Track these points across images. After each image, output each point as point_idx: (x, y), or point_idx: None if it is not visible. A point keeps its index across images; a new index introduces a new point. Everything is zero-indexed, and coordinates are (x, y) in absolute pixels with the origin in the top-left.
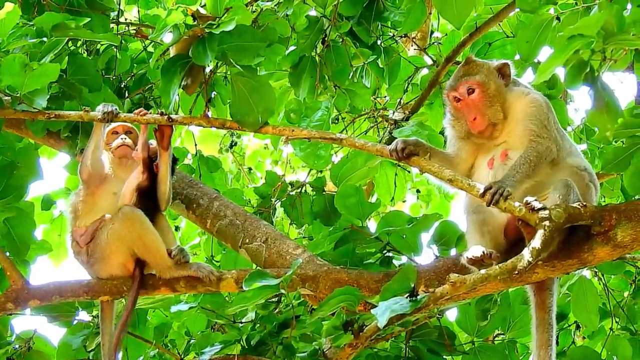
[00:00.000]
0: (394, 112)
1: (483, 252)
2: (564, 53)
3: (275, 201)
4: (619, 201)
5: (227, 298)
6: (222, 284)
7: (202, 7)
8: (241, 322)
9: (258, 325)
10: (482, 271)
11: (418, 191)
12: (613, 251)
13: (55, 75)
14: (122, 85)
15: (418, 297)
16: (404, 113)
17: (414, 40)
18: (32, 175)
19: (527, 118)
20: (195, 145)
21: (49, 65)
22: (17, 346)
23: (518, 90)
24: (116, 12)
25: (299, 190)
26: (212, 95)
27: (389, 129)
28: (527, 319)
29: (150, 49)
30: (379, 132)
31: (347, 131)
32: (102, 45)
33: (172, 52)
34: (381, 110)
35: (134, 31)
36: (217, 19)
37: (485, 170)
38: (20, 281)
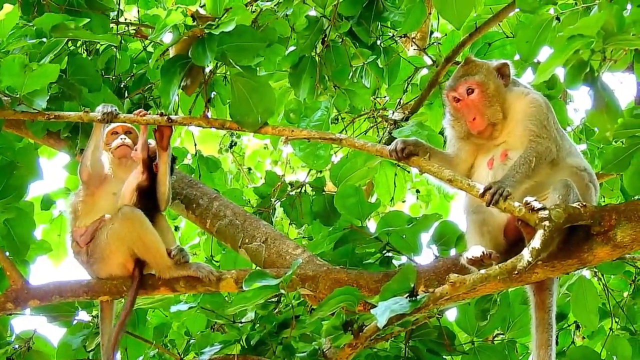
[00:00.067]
0: (393, 112)
1: (483, 252)
2: (564, 53)
3: (275, 201)
4: (618, 201)
5: (226, 298)
6: (221, 284)
7: (201, 7)
8: (241, 322)
9: (258, 325)
10: (482, 271)
11: (418, 191)
12: (613, 251)
13: (54, 76)
14: (122, 85)
15: (418, 297)
16: (404, 113)
17: (413, 40)
18: (32, 175)
19: (527, 118)
20: (195, 145)
21: (49, 65)
22: (16, 346)
23: (518, 90)
24: (116, 12)
25: (298, 190)
26: (212, 95)
27: (388, 129)
28: (527, 319)
29: (150, 49)
30: (378, 132)
31: (346, 131)
32: (101, 45)
33: (172, 52)
34: (381, 111)
35: (134, 31)
36: (217, 19)
37: (484, 170)
38: (20, 281)
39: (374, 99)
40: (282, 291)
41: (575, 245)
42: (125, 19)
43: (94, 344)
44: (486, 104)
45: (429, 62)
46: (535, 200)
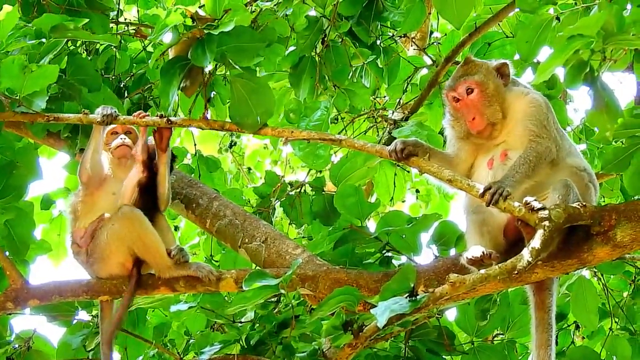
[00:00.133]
0: (393, 112)
1: (483, 252)
2: (564, 53)
3: (275, 201)
4: (618, 201)
5: (226, 298)
6: (221, 284)
7: (200, 7)
8: (240, 322)
9: (257, 325)
10: (482, 271)
11: (417, 191)
12: (612, 251)
13: (54, 77)
14: (122, 85)
15: (417, 297)
16: (403, 113)
17: (413, 40)
18: (32, 175)
19: (527, 118)
20: (195, 145)
21: (48, 66)
22: (16, 346)
23: (517, 90)
24: (116, 12)
25: (298, 190)
26: (212, 95)
27: (388, 129)
28: (527, 319)
29: (149, 48)
30: (378, 132)
31: (346, 131)
32: (101, 45)
33: (171, 53)
34: (380, 110)
35: (134, 31)
36: (216, 20)
37: (484, 170)
38: (19, 281)
39: (374, 98)
40: (282, 291)
41: (575, 245)
42: (125, 19)
43: (93, 343)
44: (486, 104)
45: (429, 62)
46: (535, 200)
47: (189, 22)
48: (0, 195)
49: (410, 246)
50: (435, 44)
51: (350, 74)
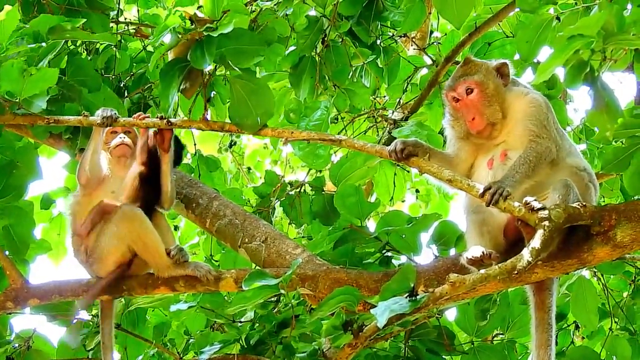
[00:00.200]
0: (393, 112)
1: (482, 252)
2: (564, 53)
3: (275, 201)
4: (618, 201)
5: (226, 298)
6: (221, 284)
7: (199, 9)
8: (240, 322)
9: (257, 324)
10: (482, 271)
11: (417, 191)
12: (612, 251)
13: (53, 80)
14: (122, 85)
15: (417, 297)
16: (403, 113)
17: (413, 40)
18: (32, 175)
19: (527, 118)
20: (195, 144)
21: (48, 70)
22: (16, 345)
23: (517, 90)
24: (116, 12)
25: (298, 189)
26: (212, 95)
27: (388, 128)
28: (527, 319)
29: (149, 49)
30: (378, 131)
31: (346, 131)
32: (101, 44)
33: (171, 55)
34: (380, 110)
35: (134, 30)
36: (215, 22)
37: (484, 170)
38: (19, 280)
39: (374, 98)
40: (282, 291)
41: (575, 245)
42: (125, 19)
43: (93, 343)
44: (485, 104)
45: (429, 61)
46: (535, 200)
47: (187, 24)
48: (0, 195)
49: (410, 246)
50: (435, 43)
51: (350, 74)
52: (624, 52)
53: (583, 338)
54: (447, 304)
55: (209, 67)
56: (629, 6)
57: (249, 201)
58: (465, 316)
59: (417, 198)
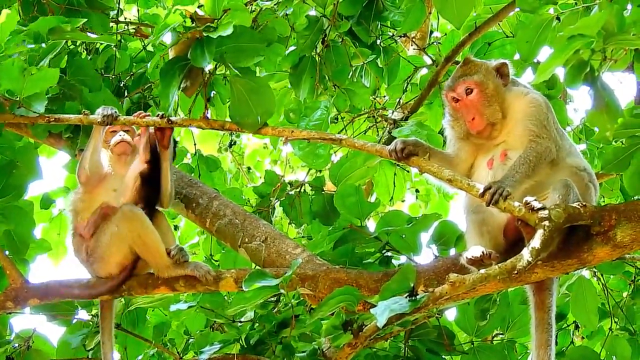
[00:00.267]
0: (393, 112)
1: (482, 252)
2: (564, 53)
3: (275, 200)
4: (618, 201)
5: (226, 297)
6: (221, 284)
7: (199, 7)
8: (240, 322)
9: (257, 324)
10: (482, 271)
11: (417, 191)
12: (612, 251)
13: (54, 80)
14: (122, 84)
15: (417, 296)
16: (403, 113)
17: (413, 40)
18: (32, 175)
19: (527, 118)
20: (195, 144)
21: (48, 69)
22: (16, 345)
23: (517, 90)
24: (116, 11)
25: (298, 189)
26: (212, 95)
27: (388, 128)
28: (526, 319)
29: (149, 47)
30: (378, 131)
31: (346, 131)
32: (101, 44)
33: (171, 54)
34: (380, 110)
35: (134, 30)
36: (216, 20)
37: (484, 170)
38: (19, 280)
39: (374, 98)
40: (282, 291)
41: (575, 245)
42: (125, 18)
43: (93, 343)
44: (485, 104)
45: (429, 61)
46: (535, 200)
47: (188, 22)
48: (0, 195)
49: (410, 246)
50: (435, 43)
51: (350, 74)
52: (624, 52)
53: (583, 338)
54: (447, 303)
55: (209, 66)
56: (629, 6)
57: (248, 201)
58: (465, 316)
59: (417, 198)
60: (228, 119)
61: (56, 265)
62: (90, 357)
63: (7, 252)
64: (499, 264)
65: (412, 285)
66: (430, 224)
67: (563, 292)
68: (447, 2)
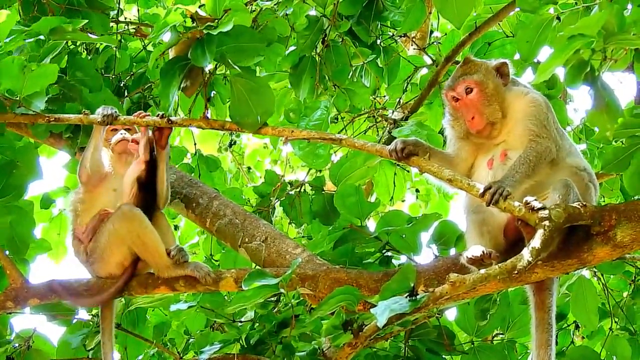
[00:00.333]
0: (393, 112)
1: (483, 252)
2: (564, 53)
3: (275, 200)
4: (618, 201)
5: (226, 297)
6: (221, 283)
7: (200, 7)
8: (240, 321)
9: (257, 324)
10: (482, 271)
11: (417, 191)
12: (613, 251)
13: (54, 77)
14: (122, 84)
15: (417, 296)
16: (403, 112)
17: (413, 39)
18: (32, 175)
19: (527, 118)
20: (195, 144)
21: (48, 66)
22: (16, 345)
23: (517, 89)
24: (116, 11)
25: (298, 189)
26: (212, 95)
27: (388, 128)
28: (527, 318)
29: (149, 48)
30: (378, 131)
31: (346, 130)
32: (101, 44)
33: (171, 54)
34: (380, 110)
35: (134, 30)
36: (216, 20)
37: (484, 170)
38: (19, 280)
39: (374, 98)
40: (282, 290)
41: (575, 245)
42: (125, 18)
43: (93, 342)
44: (485, 103)
45: (429, 61)
46: (535, 200)
47: (188, 22)
48: (0, 195)
49: (410, 246)
50: (435, 43)
51: (350, 74)
52: (624, 52)
53: (583, 338)
54: (447, 303)
55: (209, 66)
56: (629, 6)
57: (249, 201)
58: (465, 316)
59: (417, 198)
60: (228, 119)
61: (56, 265)
62: (90, 357)
63: (7, 252)
64: (499, 264)
65: (412, 285)
66: (430, 223)
67: (563, 292)
68: (447, 2)
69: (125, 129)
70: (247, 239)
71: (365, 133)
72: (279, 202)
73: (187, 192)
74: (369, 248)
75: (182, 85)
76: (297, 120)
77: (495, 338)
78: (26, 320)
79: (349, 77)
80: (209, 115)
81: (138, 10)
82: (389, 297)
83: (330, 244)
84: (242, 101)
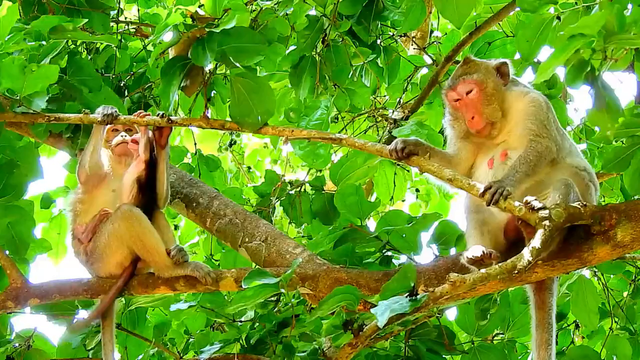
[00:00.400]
0: (393, 112)
1: (483, 252)
2: (565, 52)
3: (275, 200)
4: (618, 201)
5: (226, 297)
6: (221, 283)
7: (200, 7)
8: (240, 321)
9: (257, 324)
10: (482, 270)
11: (417, 190)
12: (613, 251)
13: (54, 77)
14: (122, 84)
15: (418, 296)
16: (404, 112)
17: (413, 39)
18: (32, 174)
19: (527, 117)
20: (195, 144)
21: (49, 66)
22: (16, 344)
23: (517, 89)
24: (116, 11)
25: (298, 189)
26: (212, 94)
27: (388, 128)
28: (527, 318)
29: (150, 47)
30: (378, 131)
31: (346, 130)
32: (101, 44)
33: (171, 53)
34: (381, 110)
35: (134, 30)
36: (216, 20)
37: (485, 169)
38: (20, 280)
39: (374, 98)
40: (282, 290)
41: (575, 244)
42: (126, 18)
43: (93, 342)
44: (485, 103)
45: (429, 61)
46: (536, 199)
47: (189, 21)
48: (0, 194)
49: (410, 245)
50: (435, 43)
51: (351, 74)
52: (625, 52)
53: (583, 337)
54: (448, 303)
55: (209, 66)
56: (630, 6)
57: (249, 200)
58: (465, 316)
59: (417, 197)
60: (228, 119)
61: (56, 265)
62: (90, 356)
63: (7, 252)
64: (500, 264)
65: (412, 284)
66: (430, 223)
67: (563, 292)
68: (448, 2)
69: (125, 130)
70: (247, 239)
71: (365, 133)
72: (279, 201)
73: (187, 191)
74: (369, 248)
75: (182, 85)
76: (297, 120)
77: (495, 338)
78: (26, 320)
79: (349, 76)
80: (209, 115)
81: (138, 10)
82: (389, 297)
83: (330, 244)
84: (242, 101)
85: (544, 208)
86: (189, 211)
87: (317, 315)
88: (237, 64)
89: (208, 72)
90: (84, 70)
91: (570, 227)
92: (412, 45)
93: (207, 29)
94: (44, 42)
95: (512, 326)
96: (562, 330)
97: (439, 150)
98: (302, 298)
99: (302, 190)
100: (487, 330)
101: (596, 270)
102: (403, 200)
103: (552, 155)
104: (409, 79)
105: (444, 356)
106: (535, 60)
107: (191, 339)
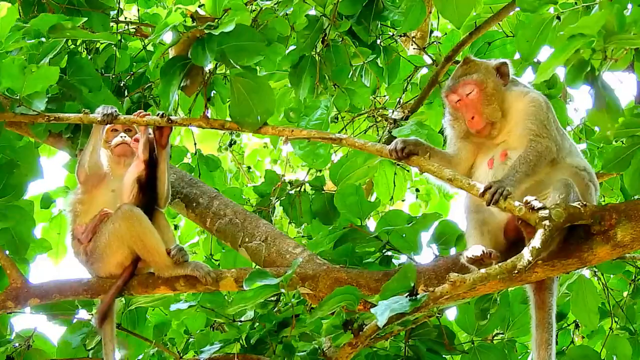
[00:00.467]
0: (393, 112)
1: (483, 252)
2: (565, 52)
3: (275, 200)
4: (618, 201)
5: (226, 297)
6: (221, 283)
7: (200, 7)
8: (240, 321)
9: (257, 324)
10: (482, 270)
11: (417, 190)
12: (613, 250)
13: (55, 78)
14: (122, 84)
15: (418, 296)
16: (404, 112)
17: (413, 39)
18: (32, 174)
19: (527, 117)
20: (195, 144)
21: (49, 67)
22: (16, 344)
23: (517, 89)
24: (116, 11)
25: (298, 189)
26: (212, 94)
27: (388, 128)
28: (527, 318)
29: (149, 47)
30: (378, 131)
31: (346, 130)
32: (101, 44)
33: (171, 53)
34: (380, 110)
35: (134, 30)
36: (216, 19)
37: (485, 169)
38: (20, 279)
39: (374, 98)
40: (282, 290)
41: (575, 244)
42: (125, 18)
43: (93, 342)
44: (485, 103)
45: (429, 61)
46: (536, 199)
47: (189, 21)
48: (0, 194)
49: (410, 245)
50: (435, 43)
51: (351, 73)
52: (625, 52)
53: (583, 337)
54: (448, 303)
55: (209, 66)
56: (630, 6)
57: (249, 200)
58: (465, 315)
59: (417, 197)
60: (228, 118)
61: (56, 265)
62: (90, 356)
63: (7, 252)
64: (500, 264)
65: (412, 284)
66: (430, 223)
67: (563, 292)
68: (448, 2)
69: (125, 130)
70: (247, 239)
71: (365, 133)
72: (279, 201)
73: (187, 191)
74: (369, 248)
75: (182, 85)
76: (297, 119)
77: (495, 338)
78: (26, 320)
79: (349, 76)
80: (209, 115)
81: (138, 10)
82: (389, 297)
83: (330, 244)
84: (242, 100)
85: (544, 208)
86: (189, 211)
87: (317, 315)
88: (237, 65)
89: (208, 72)
90: (84, 70)
91: (570, 227)
92: (412, 45)
93: (206, 30)
94: (43, 39)
95: (512, 326)
96: (562, 330)
97: (439, 150)
98: (302, 298)
99: (302, 190)
100: (487, 330)
101: (596, 270)
102: (403, 200)
103: (552, 155)
104: (408, 79)
105: (444, 356)
106: (535, 60)
107: (191, 339)
